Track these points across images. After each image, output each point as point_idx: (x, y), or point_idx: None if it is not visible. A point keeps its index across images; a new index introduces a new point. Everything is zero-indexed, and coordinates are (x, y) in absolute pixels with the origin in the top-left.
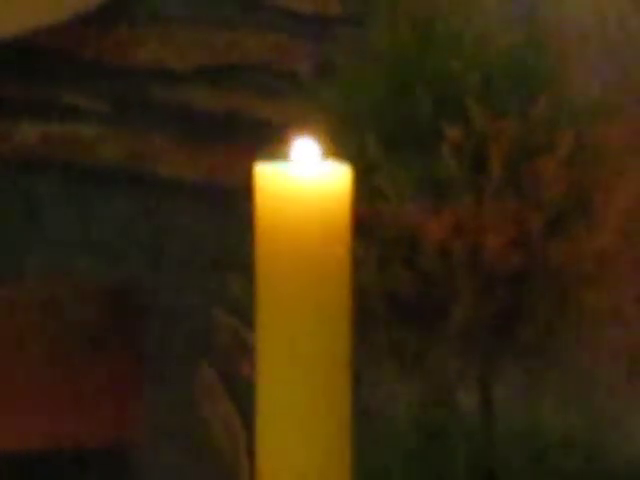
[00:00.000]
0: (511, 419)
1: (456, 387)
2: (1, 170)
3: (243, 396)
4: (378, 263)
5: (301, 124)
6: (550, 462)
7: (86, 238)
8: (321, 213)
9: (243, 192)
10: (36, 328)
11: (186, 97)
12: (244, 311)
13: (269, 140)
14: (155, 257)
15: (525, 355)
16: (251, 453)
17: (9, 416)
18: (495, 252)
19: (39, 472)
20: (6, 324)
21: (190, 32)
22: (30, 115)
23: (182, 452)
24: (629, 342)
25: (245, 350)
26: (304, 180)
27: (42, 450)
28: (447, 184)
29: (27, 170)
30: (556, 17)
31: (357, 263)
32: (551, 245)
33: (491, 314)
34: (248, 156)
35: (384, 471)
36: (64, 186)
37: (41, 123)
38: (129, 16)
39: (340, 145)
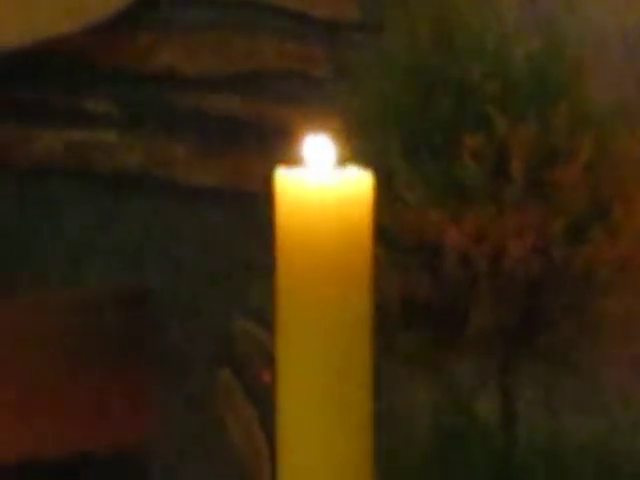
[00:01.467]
0: (531, 425)
1: (476, 393)
2: (20, 176)
3: (263, 402)
4: (399, 269)
5: (320, 130)
6: (569, 469)
7: (105, 244)
8: (342, 219)
9: (262, 198)
10: (54, 333)
11: (204, 103)
12: (264, 317)
13: (288, 146)
14: (174, 263)
15: (545, 362)
16: (272, 460)
17: (24, 422)
18: (515, 259)
19: (54, 478)
20: (24, 329)
21: (208, 38)
22: (48, 122)
23: (200, 458)
24: None
25: (265, 356)
26: (324, 186)
27: (58, 455)
28: (468, 191)
29: (45, 176)
30: (575, 23)
31: (378, 269)
32: (571, 252)
33: (511, 320)
34: (267, 162)
35: (403, 475)
36: (82, 192)
37: (58, 130)
38: (146, 22)
39: (360, 151)
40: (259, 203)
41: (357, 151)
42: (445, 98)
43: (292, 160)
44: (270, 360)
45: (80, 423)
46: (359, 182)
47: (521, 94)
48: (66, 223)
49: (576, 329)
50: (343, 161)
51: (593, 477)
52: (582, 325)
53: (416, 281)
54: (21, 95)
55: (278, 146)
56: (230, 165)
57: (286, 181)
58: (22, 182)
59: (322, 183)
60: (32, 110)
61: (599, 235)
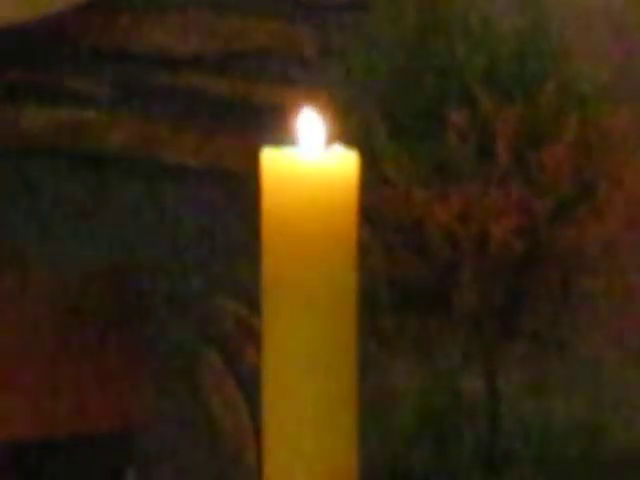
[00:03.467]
0: (515, 404)
1: (461, 372)
2: (6, 156)
3: (248, 381)
4: (384, 248)
5: (307, 110)
6: (553, 447)
7: (91, 223)
8: (328, 198)
9: (249, 177)
10: (40, 315)
11: (190, 83)
12: (250, 296)
13: (275, 125)
14: (161, 243)
15: (530, 341)
16: (256, 438)
17: (14, 403)
18: (501, 238)
19: (41, 458)
20: (11, 310)
21: (194, 18)
22: (34, 101)
23: (187, 436)
24: (632, 327)
25: (250, 336)
26: (311, 165)
27: (43, 436)
28: (453, 170)
29: (31, 156)
30: (561, 2)
31: (363, 248)
32: (556, 231)
33: (496, 300)
34: (254, 141)
35: (388, 455)
36: (68, 171)
37: (45, 109)
38: (131, 2)
39: (346, 130)
40: (245, 182)
41: (343, 130)
42: (430, 77)
43: (279, 139)
44: (255, 339)
45: (65, 403)
46: (345, 161)
47: (506, 73)
48: (49, 202)
49: (561, 309)
50: (329, 141)
51: (578, 455)
52: (567, 305)
53: (401, 260)
54: (5, 74)
55: (265, 125)
56: (216, 144)
57: (272, 160)
58: (6, 161)
59: (308, 162)
60: (16, 89)
61: (584, 215)
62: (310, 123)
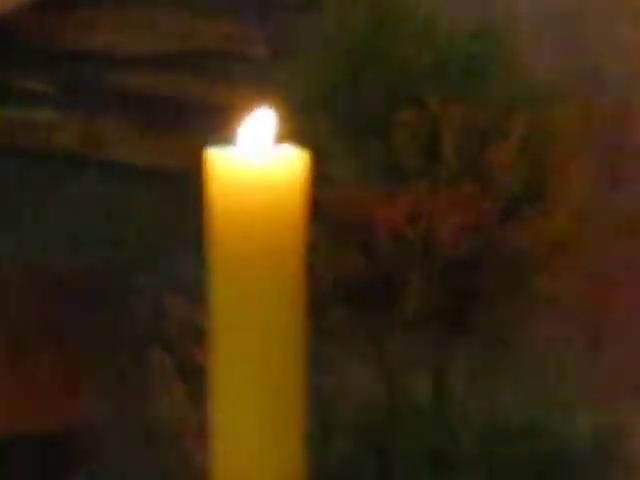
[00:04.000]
0: (465, 404)
1: (409, 371)
2: None
3: (195, 380)
4: (332, 248)
5: (254, 109)
6: (503, 446)
7: (39, 223)
8: (275, 198)
9: (196, 176)
10: None
11: (139, 82)
12: (197, 295)
13: (222, 125)
14: (107, 241)
15: (480, 341)
16: (203, 437)
17: None
18: (449, 237)
19: None
20: None
21: (144, 17)
22: None
23: (133, 437)
24: (582, 326)
25: (198, 335)
26: (257, 164)
27: None
28: (401, 169)
29: None
30: (509, 2)
31: (311, 248)
32: (506, 230)
33: (444, 299)
34: (202, 141)
35: (336, 455)
36: (17, 171)
37: None
38: (82, 0)
39: (295, 130)
40: (193, 182)
41: (292, 130)
42: (378, 76)
43: (228, 139)
44: (201, 337)
45: (7, 403)
46: (293, 160)
47: (454, 72)
48: (1, 203)
49: (511, 308)
50: (279, 140)
51: (529, 455)
52: (517, 304)
53: (349, 260)
54: None
55: (213, 125)
56: (165, 144)
57: (218, 159)
58: None
59: (255, 161)
60: None
61: (533, 214)
62: (258, 123)
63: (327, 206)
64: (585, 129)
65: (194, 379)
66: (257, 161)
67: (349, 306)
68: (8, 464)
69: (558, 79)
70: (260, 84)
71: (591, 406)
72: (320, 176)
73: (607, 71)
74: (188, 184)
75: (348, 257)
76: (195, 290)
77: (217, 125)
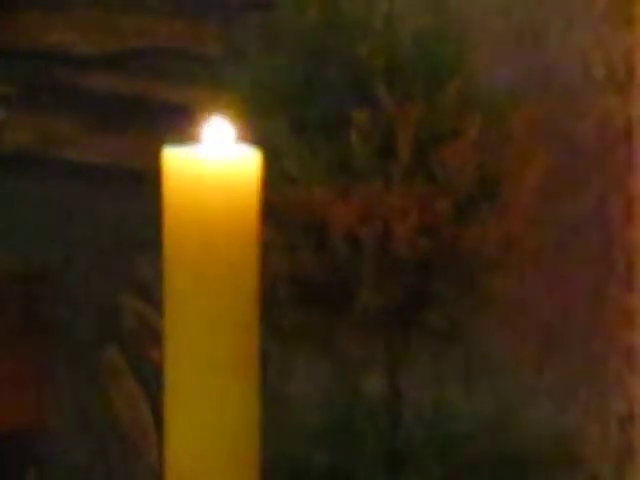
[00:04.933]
0: (418, 403)
1: (363, 371)
2: None
3: (151, 379)
4: (286, 247)
5: (210, 108)
6: (456, 446)
7: None
8: (230, 197)
9: (151, 176)
10: None
11: (93, 81)
12: (152, 294)
13: (178, 124)
14: (63, 241)
15: (433, 339)
16: (159, 435)
17: None
18: (403, 237)
19: None
20: None
21: (97, 16)
22: None
23: (90, 435)
24: (535, 326)
25: (153, 334)
26: (212, 163)
27: None
28: (355, 169)
29: None
30: (463, 3)
31: (265, 247)
32: (459, 230)
33: (398, 298)
34: (156, 140)
35: (290, 455)
36: None
37: None
38: (37, 0)
39: (249, 129)
40: (148, 181)
41: (246, 129)
42: (333, 76)
43: (183, 138)
44: (157, 336)
45: None
46: (246, 160)
47: (408, 73)
48: None
49: (464, 306)
50: (232, 140)
51: (481, 454)
52: (470, 302)
53: (303, 259)
54: None
55: (168, 124)
56: (119, 143)
57: (174, 159)
58: None
59: (210, 161)
60: None
61: (487, 213)
62: (213, 123)
63: (282, 206)
64: (538, 131)
65: (149, 377)
66: (212, 161)
67: (303, 306)
68: None
69: (513, 81)
70: (216, 83)
71: (544, 405)
72: (276, 175)
73: (561, 74)
74: (145, 183)
75: (302, 257)
76: (151, 290)
77: (173, 124)
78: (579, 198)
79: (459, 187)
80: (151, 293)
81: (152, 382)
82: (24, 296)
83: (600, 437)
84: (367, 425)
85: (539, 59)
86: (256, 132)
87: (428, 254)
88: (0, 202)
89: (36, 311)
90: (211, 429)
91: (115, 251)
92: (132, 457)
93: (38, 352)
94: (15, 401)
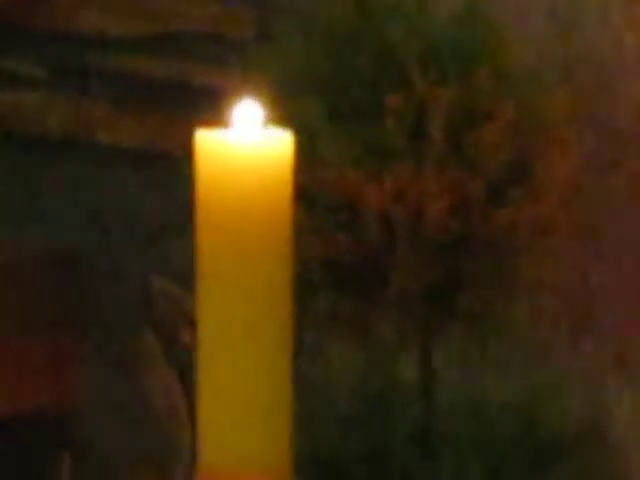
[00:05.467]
0: (451, 387)
1: (396, 355)
2: None
3: (184, 363)
4: (319, 230)
5: (243, 92)
6: (489, 430)
7: (27, 206)
8: (262, 180)
9: (184, 159)
10: None
11: (127, 64)
12: (185, 278)
13: (210, 108)
14: (97, 224)
15: (465, 323)
16: (192, 421)
17: None
18: (435, 219)
19: None
20: None
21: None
22: None
23: (121, 420)
24: (567, 310)
25: (185, 318)
26: (245, 146)
27: None
28: (388, 151)
29: None
30: None
31: (298, 230)
32: (491, 213)
33: (431, 281)
34: (189, 123)
35: (324, 439)
36: (4, 154)
37: None
38: None
39: (282, 112)
40: (181, 164)
41: (279, 112)
42: (366, 59)
43: (215, 121)
44: (190, 320)
45: (1, 384)
46: (279, 143)
47: (441, 55)
48: None
49: (496, 289)
50: (265, 123)
51: (514, 438)
52: (502, 285)
53: (336, 242)
54: None
55: (201, 107)
56: (152, 126)
57: (206, 142)
58: None
59: (242, 144)
60: None
61: (519, 197)
62: (246, 106)
63: (314, 188)
64: (571, 114)
65: (182, 362)
66: (245, 143)
67: (336, 289)
68: (4, 445)
69: (546, 63)
70: (248, 67)
71: (578, 388)
72: (308, 158)
73: (596, 57)
74: (177, 166)
75: (335, 238)
76: (185, 274)
77: (205, 108)
78: (612, 182)
79: (491, 170)
80: (184, 277)
81: (185, 366)
82: (57, 280)
83: (633, 421)
84: (401, 409)
85: (573, 42)
86: (289, 115)
87: (460, 236)
88: (33, 185)
89: (69, 295)
90: (244, 412)
91: (148, 235)
92: (165, 441)
93: (71, 337)
94: (48, 386)
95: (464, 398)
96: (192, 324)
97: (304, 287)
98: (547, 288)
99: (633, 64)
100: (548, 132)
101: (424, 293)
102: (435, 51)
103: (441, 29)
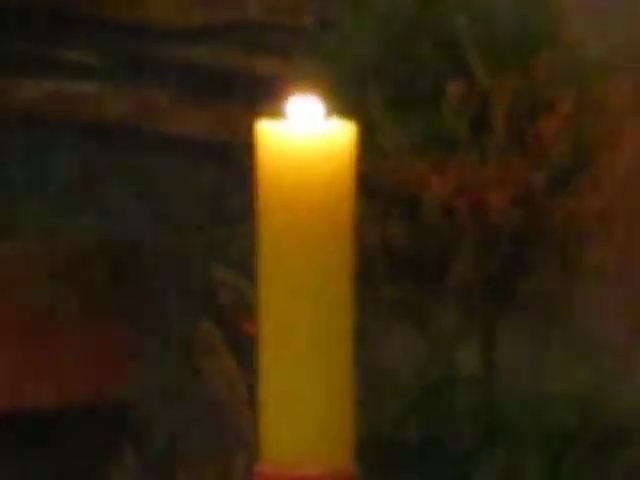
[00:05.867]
0: (513, 374)
1: (458, 342)
2: (4, 127)
3: (244, 350)
4: (381, 219)
5: (304, 81)
6: (550, 417)
7: (88, 194)
8: (324, 170)
9: (246, 149)
10: (37, 285)
11: (188, 53)
12: (246, 268)
13: (272, 97)
14: (157, 214)
15: (527, 311)
16: (253, 406)
17: (13, 371)
18: (498, 209)
19: (39, 427)
20: (7, 280)
21: None
22: (34, 72)
23: (181, 407)
24: (630, 297)
25: (247, 308)
26: (307, 137)
27: (40, 404)
28: (450, 141)
29: (29, 127)
30: None
31: (360, 219)
32: (553, 202)
33: (493, 270)
34: (252, 113)
35: (386, 425)
36: (67, 142)
37: (45, 80)
38: None
39: (343, 102)
40: (243, 154)
41: (341, 101)
42: (428, 46)
43: (278, 111)
44: (251, 310)
45: (63, 373)
46: (342, 133)
47: (503, 44)
48: (49, 175)
49: (558, 277)
50: (327, 112)
51: (577, 426)
52: (564, 273)
53: (398, 232)
54: (4, 45)
55: (263, 97)
56: (215, 116)
57: (267, 132)
58: (5, 133)
59: (303, 134)
60: (16, 60)
61: (581, 185)
62: (307, 95)
63: (377, 178)
64: (635, 103)
65: (243, 350)
66: (306, 133)
67: (398, 279)
68: (60, 434)
69: (610, 50)
70: (309, 56)
71: None
72: (370, 148)
73: None
74: (240, 155)
75: (398, 228)
76: (246, 263)
77: (266, 97)
78: None
79: (554, 159)
80: (246, 266)
81: (246, 355)
82: (119, 268)
83: None
84: (462, 396)
85: (634, 29)
86: (351, 104)
87: (522, 226)
88: (95, 173)
89: (128, 283)
90: (307, 397)
91: (210, 224)
92: (226, 429)
93: (132, 325)
94: (109, 373)
95: (525, 385)
96: (253, 311)
97: (366, 275)
98: (610, 275)
99: None
100: (610, 119)
101: (486, 281)
102: (496, 39)
103: (502, 17)
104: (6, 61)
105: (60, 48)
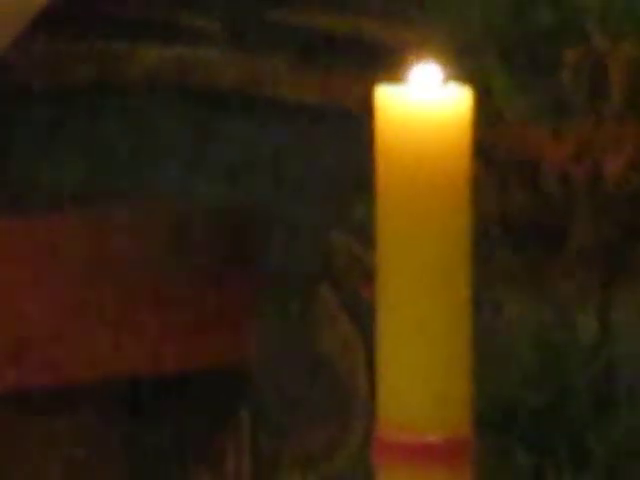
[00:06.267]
0: (631, 342)
1: (575, 309)
2: (120, 94)
3: (363, 317)
4: (498, 186)
5: (422, 48)
6: None
7: (205, 160)
8: (441, 136)
9: (364, 115)
10: (155, 251)
11: (304, 19)
12: (364, 233)
13: (389, 64)
14: (275, 179)
15: None
16: (370, 372)
17: (130, 339)
18: (615, 174)
19: (154, 394)
20: (128, 246)
21: None
22: (149, 37)
23: (299, 373)
24: None
25: (363, 271)
26: (425, 103)
27: (157, 373)
28: (567, 107)
29: (145, 93)
30: None
31: (477, 186)
32: None
33: (611, 237)
34: (369, 80)
35: (502, 393)
36: (181, 108)
37: (159, 45)
38: None
39: (460, 67)
40: (361, 120)
41: (457, 67)
42: (544, 12)
43: (395, 78)
44: (368, 275)
45: (179, 341)
46: (459, 99)
47: (621, 9)
48: (166, 141)
49: None
50: (445, 79)
51: None
52: None
53: (515, 198)
54: (120, 12)
55: (380, 63)
56: (332, 82)
57: (386, 98)
58: (123, 100)
59: (422, 100)
60: (131, 26)
61: None
62: (425, 62)
63: (493, 144)
64: None
65: (361, 316)
66: (424, 100)
67: (515, 245)
68: (183, 400)
69: None
70: (427, 22)
71: None
72: (486, 114)
73: None
74: (357, 123)
75: (514, 195)
76: (364, 229)
77: (383, 64)
78: None
79: None
80: (364, 232)
81: (364, 320)
82: (232, 233)
83: None
84: (578, 364)
85: None
86: (466, 69)
87: (639, 191)
88: (210, 139)
89: (245, 248)
90: (424, 362)
91: (327, 190)
92: (343, 395)
93: (246, 289)
94: (225, 338)
95: None
96: (372, 279)
97: (483, 242)
98: None
99: None
100: None
101: (603, 248)
102: (615, 4)
103: None
104: (123, 27)
105: (176, 13)
